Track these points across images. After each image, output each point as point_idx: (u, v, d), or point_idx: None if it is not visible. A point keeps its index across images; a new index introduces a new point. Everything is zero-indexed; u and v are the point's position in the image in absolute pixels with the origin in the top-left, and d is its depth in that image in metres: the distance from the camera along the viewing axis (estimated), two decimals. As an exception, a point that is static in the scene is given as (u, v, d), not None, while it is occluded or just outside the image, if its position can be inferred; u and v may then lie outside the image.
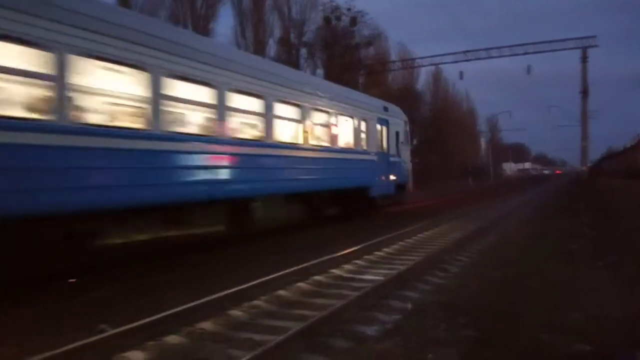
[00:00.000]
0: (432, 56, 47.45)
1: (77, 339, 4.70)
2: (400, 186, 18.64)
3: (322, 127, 13.71)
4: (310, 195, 13.84)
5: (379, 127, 16.98)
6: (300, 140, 12.55)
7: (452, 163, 61.16)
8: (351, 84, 29.57)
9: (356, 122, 15.40)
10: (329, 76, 28.79)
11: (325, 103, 13.75)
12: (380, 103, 18.07)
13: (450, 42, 70.86)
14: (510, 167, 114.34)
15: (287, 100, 12.00)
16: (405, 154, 19.62)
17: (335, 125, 14.21)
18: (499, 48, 44.58)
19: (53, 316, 5.97)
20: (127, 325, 5.15)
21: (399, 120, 19.07)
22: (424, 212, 19.15)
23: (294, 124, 12.44)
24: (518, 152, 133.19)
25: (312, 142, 13.00)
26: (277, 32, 37.52)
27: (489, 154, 77.67)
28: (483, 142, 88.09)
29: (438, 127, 56.46)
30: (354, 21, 38.69)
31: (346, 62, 37.88)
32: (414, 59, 49.84)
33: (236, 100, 10.20)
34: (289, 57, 34.82)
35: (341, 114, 14.51)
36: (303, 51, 38.15)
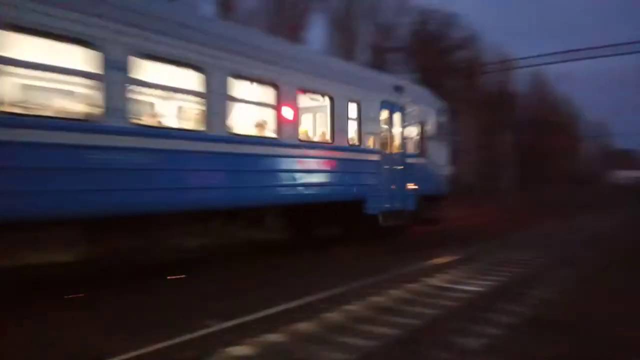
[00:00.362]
0: (529, 57, 45.06)
1: (182, 333, 5.00)
2: (428, 198, 13.35)
3: (260, 107, 9.25)
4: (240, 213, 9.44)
5: (384, 114, 12.03)
6: (203, 127, 7.87)
7: (553, 169, 57.62)
8: (444, 87, 28.91)
9: (338, 103, 10.60)
10: (422, 80, 28.38)
11: (268, 71, 8.97)
12: (388, 80, 12.93)
13: (546, 42, 66.95)
14: (623, 175, 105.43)
15: (164, 55, 7.36)
16: (439, 153, 14.23)
17: (290, 105, 9.44)
18: (600, 48, 41.42)
19: (155, 310, 6.39)
20: (229, 322, 5.40)
21: (426, 107, 13.73)
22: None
23: (192, 99, 8.06)
24: (631, 159, 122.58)
25: (236, 129, 8.45)
26: (368, 38, 37.68)
27: (596, 159, 72.32)
28: (589, 147, 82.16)
29: (537, 131, 53.49)
30: (446, 24, 37.87)
31: (439, 65, 37.12)
32: (510, 60, 47.74)
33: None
34: (379, 62, 34.86)
35: (304, 90, 9.87)
36: (394, 56, 37.99)
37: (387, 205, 11.83)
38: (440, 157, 14.39)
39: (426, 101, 13.93)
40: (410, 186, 12.66)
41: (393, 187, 12.07)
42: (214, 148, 7.93)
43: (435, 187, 13.89)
